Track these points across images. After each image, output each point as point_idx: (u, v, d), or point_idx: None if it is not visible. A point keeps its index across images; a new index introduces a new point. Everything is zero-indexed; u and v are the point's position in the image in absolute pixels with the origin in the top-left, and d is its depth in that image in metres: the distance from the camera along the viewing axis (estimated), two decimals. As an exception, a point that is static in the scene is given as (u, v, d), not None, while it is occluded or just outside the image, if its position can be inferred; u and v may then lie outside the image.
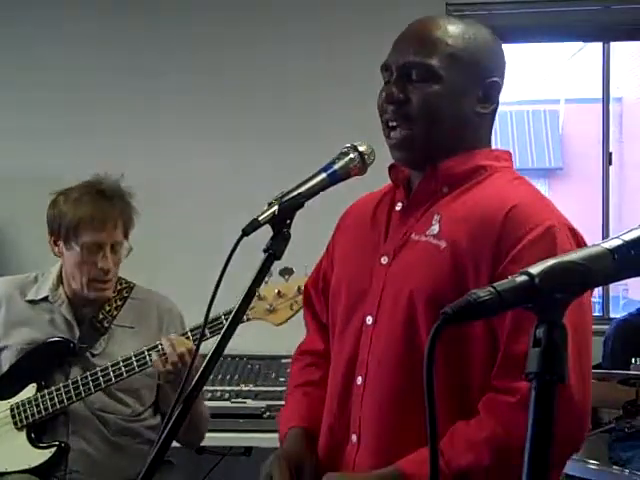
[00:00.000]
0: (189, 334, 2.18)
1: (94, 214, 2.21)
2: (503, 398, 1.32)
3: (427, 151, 1.44)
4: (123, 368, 2.19)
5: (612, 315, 3.68)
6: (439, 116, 1.41)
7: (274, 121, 3.41)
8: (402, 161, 1.48)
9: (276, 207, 1.25)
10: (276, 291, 2.14)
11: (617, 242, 0.79)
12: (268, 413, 2.81)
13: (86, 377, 2.22)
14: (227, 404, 2.84)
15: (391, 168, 1.51)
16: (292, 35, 3.41)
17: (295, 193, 1.28)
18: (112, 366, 2.20)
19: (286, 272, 2.07)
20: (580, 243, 1.38)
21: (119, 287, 2.35)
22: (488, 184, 1.43)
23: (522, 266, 1.26)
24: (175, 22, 3.48)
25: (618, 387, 2.68)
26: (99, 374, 2.21)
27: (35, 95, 3.47)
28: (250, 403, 2.85)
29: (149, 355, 2.16)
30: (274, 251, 1.25)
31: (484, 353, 1.36)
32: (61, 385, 2.24)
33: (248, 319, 2.17)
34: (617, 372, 2.72)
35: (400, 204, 1.49)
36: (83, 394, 2.22)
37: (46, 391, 2.25)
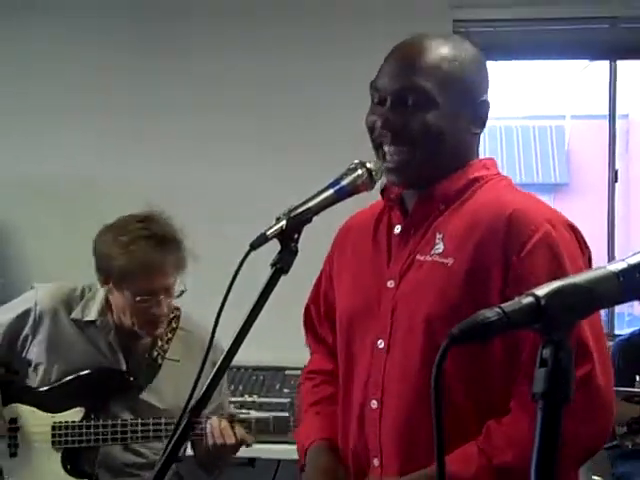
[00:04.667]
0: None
1: (149, 263, 2.12)
2: None
3: (425, 174, 1.44)
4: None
5: (617, 332, 3.68)
6: (440, 141, 1.42)
7: (281, 132, 3.41)
8: (400, 184, 1.48)
9: (284, 222, 1.26)
10: None
11: (623, 265, 0.80)
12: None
13: (136, 425, 2.17)
14: (231, 415, 2.84)
15: (383, 190, 1.51)
16: (294, 39, 3.41)
17: (303, 208, 1.28)
18: (165, 424, 2.15)
19: None
20: (579, 237, 1.42)
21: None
22: (483, 193, 1.46)
23: (532, 269, 1.31)
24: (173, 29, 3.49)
25: (623, 404, 2.68)
26: (150, 427, 2.17)
27: (34, 95, 3.46)
28: (254, 414, 2.85)
29: (206, 423, 2.10)
30: (282, 266, 1.25)
31: (504, 372, 1.38)
32: (109, 422, 2.19)
33: None
34: (622, 389, 2.72)
35: (399, 227, 1.49)
36: (128, 440, 2.18)
37: (92, 422, 2.20)
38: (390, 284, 1.46)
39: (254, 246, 1.23)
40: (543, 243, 1.35)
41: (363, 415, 1.47)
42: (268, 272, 1.26)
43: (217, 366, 1.23)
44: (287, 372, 3.05)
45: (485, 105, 1.47)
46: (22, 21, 3.49)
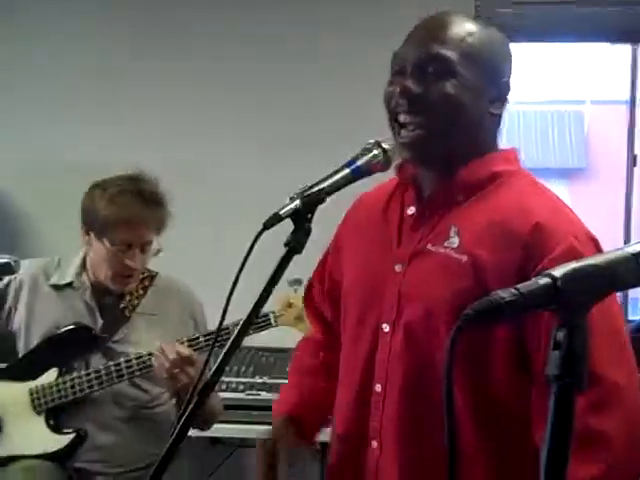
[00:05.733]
0: (184, 340, 2.21)
1: (130, 216, 2.24)
2: None
3: (441, 151, 1.41)
4: (148, 361, 2.21)
5: (631, 317, 3.65)
6: (458, 113, 1.38)
7: (282, 123, 3.38)
8: (413, 160, 1.43)
9: (298, 201, 1.25)
10: None
11: (641, 247, 0.79)
12: (282, 406, 2.81)
13: (109, 367, 2.24)
14: (241, 396, 2.86)
15: (399, 168, 1.47)
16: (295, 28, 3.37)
17: (318, 188, 1.27)
18: (136, 358, 2.22)
19: (295, 283, 2.16)
20: (599, 249, 1.38)
21: (141, 277, 2.37)
22: (505, 191, 1.41)
23: None
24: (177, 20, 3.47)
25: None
26: (122, 365, 2.23)
27: (44, 85, 3.45)
28: (264, 395, 2.87)
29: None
30: (295, 245, 1.24)
31: (505, 358, 1.37)
32: (83, 373, 2.26)
33: (277, 325, 2.25)
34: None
35: (413, 208, 1.46)
36: (105, 384, 2.24)
37: (67, 377, 2.28)
38: (398, 268, 1.44)
39: (267, 226, 1.21)
40: (567, 256, 1.28)
41: (364, 396, 1.47)
42: (281, 252, 1.25)
43: (227, 347, 1.22)
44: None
45: (507, 87, 1.44)
46: (24, 6, 3.48)
